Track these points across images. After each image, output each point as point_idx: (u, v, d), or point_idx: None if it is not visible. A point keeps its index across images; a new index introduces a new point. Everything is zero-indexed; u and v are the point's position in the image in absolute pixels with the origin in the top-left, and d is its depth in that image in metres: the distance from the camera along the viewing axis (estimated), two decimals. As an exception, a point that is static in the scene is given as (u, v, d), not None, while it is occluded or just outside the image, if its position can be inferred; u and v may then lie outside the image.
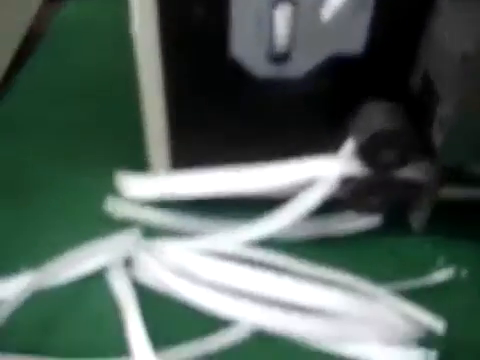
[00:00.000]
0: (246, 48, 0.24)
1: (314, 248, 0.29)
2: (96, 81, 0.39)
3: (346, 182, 0.25)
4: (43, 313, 0.27)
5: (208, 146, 0.26)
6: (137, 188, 0.29)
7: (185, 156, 0.27)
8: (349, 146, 0.24)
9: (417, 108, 0.23)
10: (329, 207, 0.28)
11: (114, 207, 0.30)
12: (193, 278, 0.26)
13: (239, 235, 0.28)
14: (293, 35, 0.23)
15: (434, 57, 0.22)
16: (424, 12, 0.22)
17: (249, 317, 0.25)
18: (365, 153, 0.23)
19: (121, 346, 0.25)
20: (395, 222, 0.29)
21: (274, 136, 0.25)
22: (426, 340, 0.25)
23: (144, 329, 0.24)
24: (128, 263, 0.28)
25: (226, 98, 0.25)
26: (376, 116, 0.23)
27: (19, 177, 0.33)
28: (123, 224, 0.29)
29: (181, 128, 0.26)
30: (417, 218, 0.26)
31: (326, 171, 0.24)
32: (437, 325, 0.25)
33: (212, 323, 0.26)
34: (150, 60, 0.24)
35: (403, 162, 0.23)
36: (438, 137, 0.22)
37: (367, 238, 0.29)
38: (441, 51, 0.21)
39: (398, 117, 0.23)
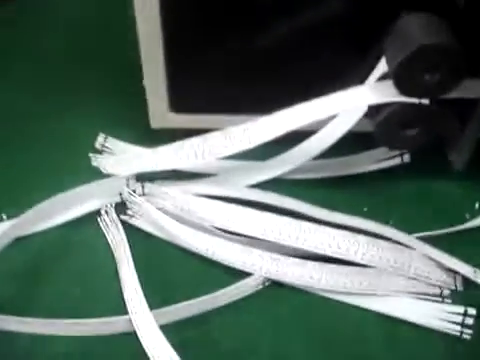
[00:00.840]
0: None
1: (336, 189, 0.26)
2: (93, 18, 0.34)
3: (377, 111, 0.21)
4: (27, 262, 0.24)
5: (210, 85, 0.23)
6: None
7: (185, 97, 0.24)
8: (381, 68, 0.20)
9: (463, 23, 0.19)
10: (354, 144, 0.25)
11: (105, 144, 0.26)
12: (194, 223, 0.23)
13: (248, 175, 0.25)
14: None
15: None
16: None
17: (262, 267, 0.22)
18: (402, 74, 0.19)
19: (114, 299, 0.22)
20: (427, 160, 0.25)
21: (286, 71, 0.21)
22: (463, 294, 0.22)
23: (139, 283, 0.21)
24: (122, 207, 0.25)
25: (230, 24, 0.20)
26: (416, 30, 0.19)
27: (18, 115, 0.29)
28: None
29: (181, 65, 0.22)
30: (459, 154, 0.22)
31: (355, 100, 0.21)
32: (476, 276, 0.22)
33: (217, 272, 0.23)
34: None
35: (446, 86, 0.19)
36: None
37: (395, 179, 0.26)
38: None
39: (442, 31, 0.19)
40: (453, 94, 0.20)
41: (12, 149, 0.27)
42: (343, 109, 0.22)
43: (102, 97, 0.29)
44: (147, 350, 0.19)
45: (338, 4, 0.21)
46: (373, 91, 0.21)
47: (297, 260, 0.22)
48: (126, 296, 0.21)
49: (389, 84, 0.20)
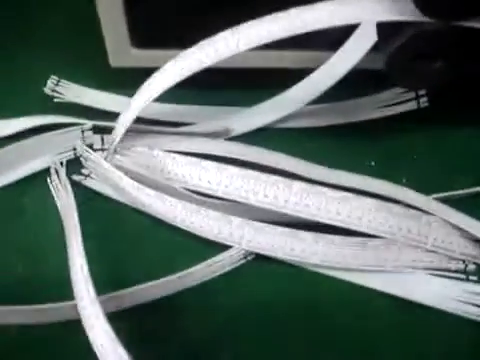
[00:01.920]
0: None
1: (337, 141, 0.21)
2: None
3: (388, 39, 0.16)
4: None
5: (174, 12, 0.18)
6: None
7: (152, 29, 0.19)
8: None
9: None
10: (358, 85, 0.20)
11: (57, 88, 0.22)
12: (162, 185, 0.19)
13: (229, 124, 0.20)
14: None
15: None
16: None
17: (243, 238, 0.17)
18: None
19: (61, 279, 0.17)
20: (446, 105, 0.20)
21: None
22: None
23: (89, 259, 0.17)
24: (76, 165, 0.20)
25: None
26: None
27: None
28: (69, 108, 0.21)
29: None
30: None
31: (362, 15, 0.16)
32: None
33: (188, 245, 0.18)
34: None
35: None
36: None
37: (408, 127, 0.21)
38: None
39: None
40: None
41: None
42: (342, 21, 0.16)
43: (54, 32, 0.24)
44: (93, 344, 0.15)
45: None
46: (385, 5, 0.15)
47: (286, 230, 0.17)
48: (72, 277, 0.17)
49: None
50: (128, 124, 0.19)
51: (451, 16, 0.15)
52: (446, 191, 0.19)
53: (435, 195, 0.19)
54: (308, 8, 0.16)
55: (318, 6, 0.16)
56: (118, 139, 0.19)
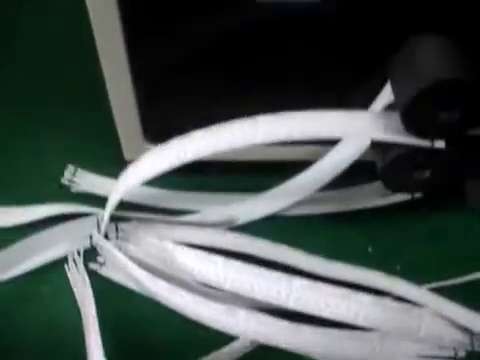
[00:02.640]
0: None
1: (337, 227, 0.23)
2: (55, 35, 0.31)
3: (380, 150, 0.18)
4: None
5: (187, 108, 0.19)
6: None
7: (158, 124, 0.21)
8: (387, 96, 0.17)
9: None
10: (356, 174, 0.22)
11: (76, 178, 0.23)
12: (173, 275, 0.20)
13: (237, 213, 0.22)
14: None
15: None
16: None
17: (248, 330, 0.19)
18: (412, 114, 0.16)
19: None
20: (437, 195, 0.22)
21: (273, 91, 0.18)
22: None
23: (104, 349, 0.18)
24: (91, 252, 0.22)
25: (210, 31, 0.17)
26: (429, 59, 0.15)
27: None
28: (86, 197, 0.23)
29: (152, 90, 0.19)
30: (474, 192, 0.19)
31: (357, 129, 0.17)
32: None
33: (198, 334, 0.20)
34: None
35: (465, 124, 0.16)
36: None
37: (404, 215, 0.23)
38: None
39: (459, 60, 0.16)
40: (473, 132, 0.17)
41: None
42: (342, 134, 0.18)
43: (70, 125, 0.26)
44: None
45: (337, 18, 0.17)
46: (378, 124, 0.17)
47: (289, 324, 0.19)
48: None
49: (396, 118, 0.17)
50: (118, 197, 0.20)
51: (438, 136, 0.17)
52: (438, 279, 0.21)
53: (427, 285, 0.20)
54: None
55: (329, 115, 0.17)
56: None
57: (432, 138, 0.16)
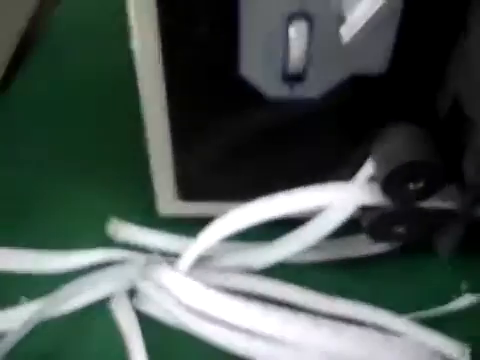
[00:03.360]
0: (256, 67, 0.21)
1: (327, 274, 0.27)
2: (96, 86, 0.37)
3: (366, 211, 0.23)
4: (45, 345, 0.25)
5: (217, 175, 0.24)
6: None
7: (192, 186, 0.26)
8: (368, 171, 0.22)
9: (445, 134, 0.21)
10: (345, 228, 0.26)
11: (117, 230, 0.28)
12: (202, 313, 0.25)
13: (249, 262, 0.27)
14: (308, 54, 0.20)
15: (467, 79, 0.19)
16: (455, 28, 0.19)
17: (262, 357, 0.23)
18: (388, 185, 0.21)
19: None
20: (414, 245, 0.27)
21: (286, 163, 0.23)
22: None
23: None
24: (133, 293, 0.26)
25: (233, 122, 0.23)
26: (402, 144, 0.21)
27: (18, 194, 0.31)
28: (127, 246, 0.28)
29: (187, 154, 0.24)
30: (444, 244, 0.24)
31: (343, 199, 0.22)
32: (464, 357, 0.24)
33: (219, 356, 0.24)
34: (151, 80, 0.22)
35: (430, 192, 0.21)
36: (470, 168, 0.20)
37: (384, 263, 0.27)
38: (475, 72, 0.19)
39: (426, 146, 0.21)
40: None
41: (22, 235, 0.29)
42: (333, 202, 0.23)
43: (111, 180, 0.31)
44: None
45: (330, 108, 0.23)
46: (362, 192, 0.22)
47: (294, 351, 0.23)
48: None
49: (377, 188, 0.22)
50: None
51: (409, 201, 0.22)
52: (417, 313, 0.25)
53: (408, 316, 0.25)
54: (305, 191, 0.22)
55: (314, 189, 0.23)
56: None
57: (405, 203, 0.21)
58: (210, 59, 0.21)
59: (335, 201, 0.22)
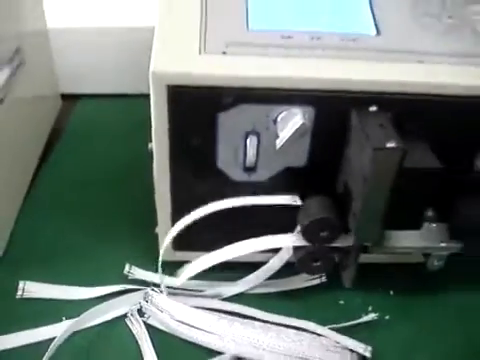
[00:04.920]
0: (227, 163, 0.35)
1: (277, 299, 0.40)
2: (112, 170, 0.51)
3: (296, 252, 0.36)
4: (79, 348, 0.37)
5: (197, 232, 0.38)
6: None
7: (182, 241, 0.39)
8: (298, 228, 0.36)
9: (340, 203, 0.35)
10: (288, 270, 0.40)
11: (131, 271, 0.41)
12: (189, 324, 0.37)
13: (221, 291, 0.40)
14: (258, 155, 0.34)
15: (349, 173, 0.33)
16: (342, 144, 0.34)
17: (231, 351, 0.36)
18: (306, 233, 0.34)
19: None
20: (336, 280, 0.40)
21: (248, 223, 0.37)
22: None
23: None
24: (142, 312, 0.39)
25: (214, 196, 0.36)
26: (314, 208, 0.34)
27: (56, 247, 0.44)
28: (136, 281, 0.40)
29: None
30: (346, 276, 0.37)
31: (282, 241, 0.36)
32: (365, 351, 0.36)
33: (203, 353, 0.36)
34: (162, 170, 0.36)
35: (332, 238, 0.35)
36: (352, 224, 0.33)
37: (316, 292, 0.40)
38: (352, 171, 0.33)
39: (329, 209, 0.34)
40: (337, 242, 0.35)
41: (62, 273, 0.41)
42: (275, 245, 0.37)
43: (131, 236, 0.44)
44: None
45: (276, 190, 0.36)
46: (293, 239, 0.36)
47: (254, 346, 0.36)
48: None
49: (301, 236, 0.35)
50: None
51: (320, 243, 0.35)
52: (336, 324, 0.38)
53: (331, 326, 0.38)
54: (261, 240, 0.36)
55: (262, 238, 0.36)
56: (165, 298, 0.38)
57: (318, 244, 0.35)
58: (200, 158, 0.35)
59: (279, 243, 0.36)
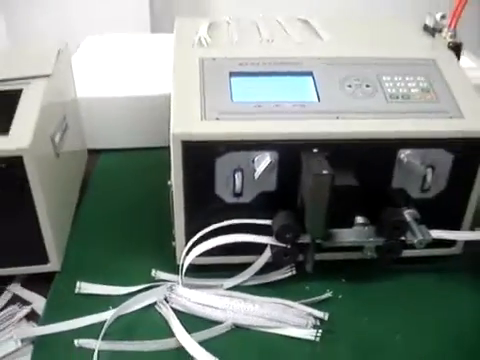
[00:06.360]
0: (222, 190, 0.52)
1: (261, 288, 0.57)
2: (133, 203, 0.68)
3: (272, 249, 0.53)
4: (123, 328, 0.53)
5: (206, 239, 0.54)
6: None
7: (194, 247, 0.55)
8: (273, 231, 0.53)
9: (300, 213, 0.51)
10: (268, 268, 0.56)
11: (156, 274, 0.57)
12: (201, 304, 0.53)
13: (223, 284, 0.56)
14: (243, 185, 0.52)
15: (303, 192, 0.51)
16: (297, 174, 0.51)
17: (230, 319, 0.52)
18: (277, 235, 0.51)
19: (168, 342, 0.51)
20: (303, 273, 0.56)
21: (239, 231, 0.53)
22: (316, 325, 0.52)
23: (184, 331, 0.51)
24: (167, 299, 0.55)
25: (214, 214, 0.53)
26: (281, 217, 0.51)
27: (98, 261, 0.60)
28: (160, 280, 0.57)
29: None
30: (308, 263, 0.53)
31: (265, 241, 0.53)
32: (323, 316, 0.53)
33: (212, 324, 0.52)
34: (178, 197, 0.52)
35: (295, 238, 0.51)
36: (307, 226, 0.50)
37: (288, 282, 0.57)
38: (304, 190, 0.50)
39: (291, 218, 0.51)
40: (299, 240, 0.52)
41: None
42: (259, 241, 0.53)
43: (153, 250, 0.60)
44: None
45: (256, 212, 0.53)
46: (270, 239, 0.53)
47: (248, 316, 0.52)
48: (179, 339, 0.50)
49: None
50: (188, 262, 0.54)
51: (287, 242, 0.52)
52: (303, 301, 0.54)
53: (300, 301, 0.54)
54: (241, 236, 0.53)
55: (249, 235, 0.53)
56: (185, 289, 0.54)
57: (286, 243, 0.52)
58: (204, 188, 0.52)
59: (262, 241, 0.52)
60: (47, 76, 0.57)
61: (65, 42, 0.68)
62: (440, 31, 0.66)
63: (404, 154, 0.52)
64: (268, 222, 0.53)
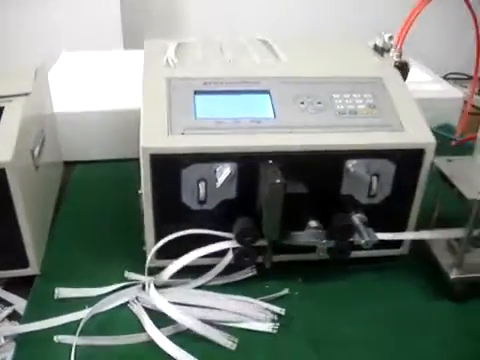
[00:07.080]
0: (188, 198, 0.58)
1: (225, 287, 0.62)
2: (107, 211, 0.73)
3: (234, 251, 0.58)
4: (98, 325, 0.57)
5: (175, 244, 0.60)
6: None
7: (163, 253, 0.60)
8: (234, 235, 0.58)
9: (258, 218, 0.57)
10: (231, 269, 0.62)
11: (129, 275, 0.62)
12: (169, 302, 0.58)
13: (190, 283, 0.61)
14: (206, 193, 0.57)
15: (260, 199, 0.56)
16: (255, 183, 0.57)
17: (196, 315, 0.57)
18: (238, 238, 0.57)
19: (139, 336, 0.56)
20: (264, 273, 0.62)
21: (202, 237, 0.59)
22: (274, 319, 0.58)
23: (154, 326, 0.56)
24: (138, 299, 0.60)
25: (181, 220, 0.58)
26: (241, 222, 0.57)
27: (75, 264, 0.65)
28: (132, 281, 0.62)
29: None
30: (266, 261, 0.59)
31: (227, 246, 0.58)
32: (281, 311, 0.58)
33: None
34: (148, 205, 0.58)
35: (254, 240, 0.57)
36: (264, 230, 0.56)
37: (250, 281, 0.62)
38: (261, 197, 0.56)
39: (250, 223, 0.57)
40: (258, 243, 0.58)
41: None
42: (222, 248, 0.59)
43: (125, 253, 0.65)
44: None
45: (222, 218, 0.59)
46: (231, 243, 0.58)
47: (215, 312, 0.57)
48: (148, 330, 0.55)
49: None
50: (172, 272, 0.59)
51: (246, 244, 0.57)
52: (263, 298, 0.60)
53: (261, 299, 0.59)
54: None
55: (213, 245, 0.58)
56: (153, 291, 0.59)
57: (245, 245, 0.57)
58: (171, 196, 0.57)
59: (224, 246, 0.58)
60: (26, 94, 0.62)
61: (43, 60, 0.73)
62: (388, 51, 0.73)
63: (351, 164, 0.58)
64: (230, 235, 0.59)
